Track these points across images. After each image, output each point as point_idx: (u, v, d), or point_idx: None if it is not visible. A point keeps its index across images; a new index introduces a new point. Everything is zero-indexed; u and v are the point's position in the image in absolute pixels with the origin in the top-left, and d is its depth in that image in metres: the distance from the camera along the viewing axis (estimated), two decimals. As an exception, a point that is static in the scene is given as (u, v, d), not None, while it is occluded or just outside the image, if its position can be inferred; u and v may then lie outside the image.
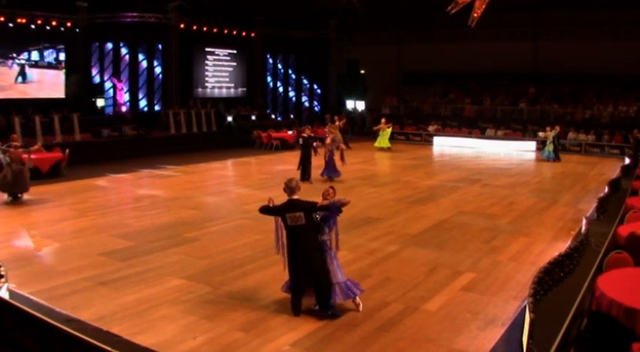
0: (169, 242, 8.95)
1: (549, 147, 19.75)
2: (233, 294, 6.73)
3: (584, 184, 15.11)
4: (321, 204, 6.08)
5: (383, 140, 22.54)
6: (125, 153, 18.93)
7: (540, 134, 20.39)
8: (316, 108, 31.21)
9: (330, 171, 14.73)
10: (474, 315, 6.18)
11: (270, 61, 29.88)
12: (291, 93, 31.18)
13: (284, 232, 6.27)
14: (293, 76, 30.99)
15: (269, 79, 30.01)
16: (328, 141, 15.07)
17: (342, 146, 15.66)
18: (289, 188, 6.18)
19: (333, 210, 6.18)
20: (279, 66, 30.45)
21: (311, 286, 6.14)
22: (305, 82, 31.21)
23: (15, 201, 11.60)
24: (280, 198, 11.58)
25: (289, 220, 6.06)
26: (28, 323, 4.89)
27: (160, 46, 24.22)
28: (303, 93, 31.33)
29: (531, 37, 25.77)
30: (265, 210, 6.29)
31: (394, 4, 26.32)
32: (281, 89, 30.73)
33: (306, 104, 31.44)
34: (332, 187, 6.54)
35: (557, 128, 19.96)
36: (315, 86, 31.22)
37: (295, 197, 6.16)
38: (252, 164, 18.91)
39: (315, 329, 5.80)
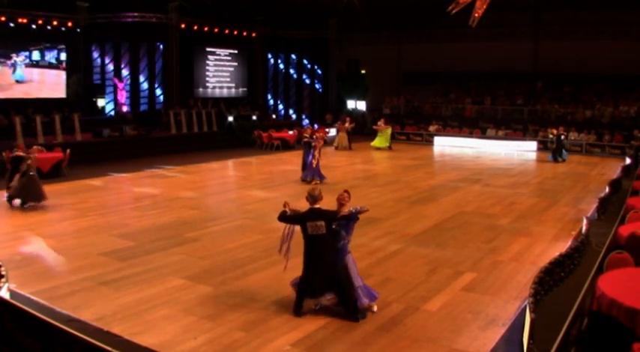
0: (170, 242, 8.95)
1: (552, 148, 19.79)
2: (233, 294, 6.73)
3: (584, 184, 15.11)
4: (342, 213, 6.06)
5: (381, 140, 22.58)
6: (126, 153, 18.92)
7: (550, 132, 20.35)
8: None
9: (316, 173, 14.51)
10: (475, 315, 6.19)
11: (271, 60, 29.86)
12: (292, 96, 31.19)
13: (292, 236, 6.34)
14: (294, 76, 30.97)
15: (269, 79, 29.99)
16: (319, 144, 14.81)
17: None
18: (312, 197, 6.13)
19: (353, 219, 6.18)
20: (280, 66, 30.44)
21: (333, 293, 6.10)
22: (306, 82, 31.19)
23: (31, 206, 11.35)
24: (282, 198, 11.55)
25: (310, 229, 6.02)
26: (28, 323, 4.89)
27: (160, 46, 24.22)
28: (304, 95, 31.33)
29: (531, 37, 25.77)
30: (285, 218, 6.23)
31: (394, 4, 26.31)
32: (281, 89, 30.73)
33: (307, 102, 31.45)
34: (347, 191, 6.45)
35: (561, 129, 19.98)
36: (316, 86, 31.20)
37: (317, 206, 6.11)
38: (252, 164, 18.92)
39: (316, 329, 5.80)
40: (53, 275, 7.32)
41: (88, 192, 13.15)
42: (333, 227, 6.12)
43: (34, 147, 11.74)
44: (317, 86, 31.19)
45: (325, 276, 6.03)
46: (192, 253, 8.38)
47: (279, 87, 30.49)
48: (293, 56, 30.44)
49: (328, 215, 6.07)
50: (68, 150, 15.47)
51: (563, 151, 19.73)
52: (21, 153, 11.65)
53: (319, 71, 30.72)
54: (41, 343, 4.76)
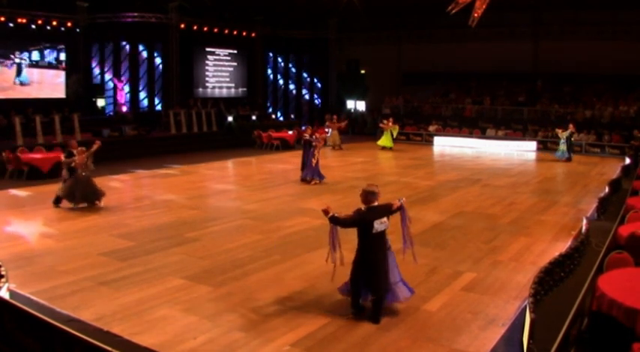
0: (170, 242, 8.95)
1: (562, 147, 19.72)
2: (233, 294, 6.73)
3: (584, 184, 15.11)
4: (397, 204, 6.13)
5: (387, 139, 22.55)
6: (125, 153, 18.91)
7: (558, 132, 20.21)
8: (316, 105, 31.17)
9: (315, 173, 14.52)
10: (475, 315, 6.19)
11: (271, 61, 29.89)
12: (292, 93, 31.22)
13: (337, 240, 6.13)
14: (293, 76, 31.00)
15: (269, 79, 30.03)
16: (319, 143, 14.82)
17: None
18: (373, 194, 5.95)
19: (403, 209, 6.24)
20: (280, 66, 30.47)
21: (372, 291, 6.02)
22: (305, 82, 31.23)
23: (92, 206, 11.25)
24: (282, 198, 11.55)
25: (376, 227, 5.86)
26: (28, 323, 4.89)
27: (160, 46, 24.24)
28: (303, 93, 31.35)
29: (531, 37, 25.79)
30: (343, 222, 5.97)
31: (394, 4, 26.33)
32: (281, 89, 30.74)
33: (306, 103, 31.46)
34: (376, 185, 6.34)
35: (572, 127, 19.98)
36: (316, 86, 31.22)
37: (375, 203, 5.99)
38: (252, 164, 18.92)
39: (316, 329, 5.80)
40: (53, 275, 7.30)
41: (88, 192, 13.13)
42: None
43: (80, 148, 11.54)
44: (317, 86, 31.18)
45: (371, 272, 5.95)
46: (192, 253, 8.37)
47: (278, 87, 30.53)
48: (293, 56, 30.46)
49: (387, 210, 6.05)
50: (68, 151, 15.45)
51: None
52: (62, 158, 11.45)
53: (319, 71, 30.67)
54: (41, 343, 4.76)
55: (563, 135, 19.62)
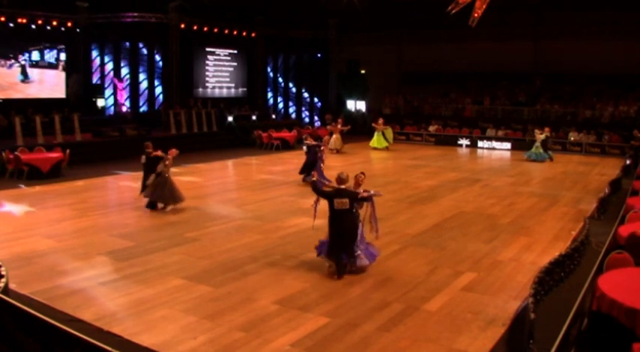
0: (170, 242, 8.95)
1: (538, 149, 19.65)
2: (233, 294, 6.73)
3: (584, 184, 15.11)
4: (362, 195, 7.39)
5: (379, 140, 22.52)
6: (126, 153, 18.84)
7: (537, 132, 20.15)
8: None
9: (323, 176, 14.48)
10: (475, 315, 6.19)
11: (271, 61, 29.88)
12: (291, 92, 31.23)
13: (318, 203, 7.98)
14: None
15: (269, 79, 30.01)
16: (325, 146, 14.80)
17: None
18: (341, 179, 7.51)
19: (370, 200, 7.50)
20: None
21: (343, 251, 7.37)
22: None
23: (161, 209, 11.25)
24: (282, 198, 11.62)
25: (336, 204, 7.33)
26: (28, 323, 4.89)
27: (160, 46, 24.22)
28: (303, 92, 31.34)
29: (531, 37, 25.76)
30: (317, 190, 7.74)
31: (394, 4, 26.31)
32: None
33: (307, 105, 31.48)
34: (362, 173, 7.72)
35: (547, 130, 20.06)
36: (315, 86, 31.18)
37: (343, 186, 7.46)
38: (252, 164, 18.91)
39: (316, 329, 5.81)
40: (53, 275, 7.31)
41: (88, 192, 13.15)
42: (355, 205, 7.46)
43: (173, 149, 11.56)
44: (316, 86, 31.16)
45: (343, 241, 7.32)
46: (192, 253, 8.38)
47: (278, 87, 30.53)
48: (293, 56, 30.46)
49: (351, 194, 7.40)
50: (68, 150, 15.48)
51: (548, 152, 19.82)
52: (159, 154, 11.47)
53: (319, 71, 30.65)
54: (41, 343, 4.76)
55: (540, 137, 19.59)
